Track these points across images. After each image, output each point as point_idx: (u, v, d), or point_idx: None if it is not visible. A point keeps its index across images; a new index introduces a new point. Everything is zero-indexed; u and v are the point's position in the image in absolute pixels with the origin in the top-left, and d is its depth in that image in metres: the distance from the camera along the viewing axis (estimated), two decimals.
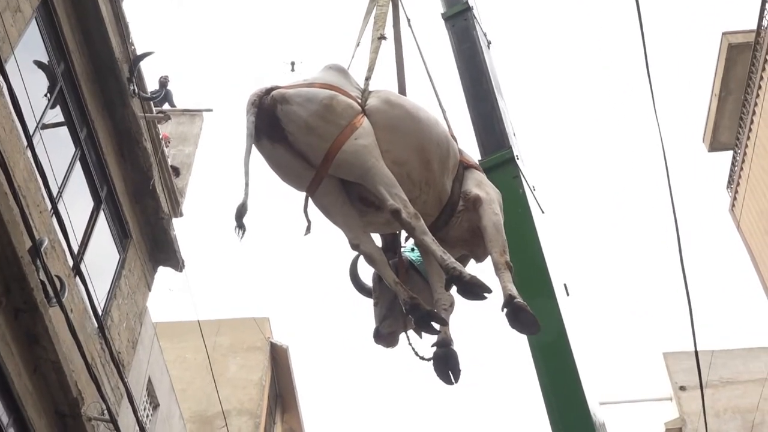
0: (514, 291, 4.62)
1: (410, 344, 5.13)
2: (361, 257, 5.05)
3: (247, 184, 4.70)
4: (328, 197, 4.89)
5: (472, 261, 5.36)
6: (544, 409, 5.19)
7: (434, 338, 4.92)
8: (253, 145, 4.76)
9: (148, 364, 12.41)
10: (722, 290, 56.51)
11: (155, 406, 13.14)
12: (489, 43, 7.28)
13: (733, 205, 15.00)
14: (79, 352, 8.59)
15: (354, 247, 4.90)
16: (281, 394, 21.72)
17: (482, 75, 6.76)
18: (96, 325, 9.62)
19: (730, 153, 14.95)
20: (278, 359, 20.89)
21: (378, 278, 5.21)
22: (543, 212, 6.23)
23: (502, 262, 4.82)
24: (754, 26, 13.30)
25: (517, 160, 6.24)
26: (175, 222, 13.01)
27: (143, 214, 12.02)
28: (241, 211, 4.63)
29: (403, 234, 5.31)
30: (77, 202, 10.04)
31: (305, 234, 4.94)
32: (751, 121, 13.57)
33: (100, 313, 9.65)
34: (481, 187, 5.24)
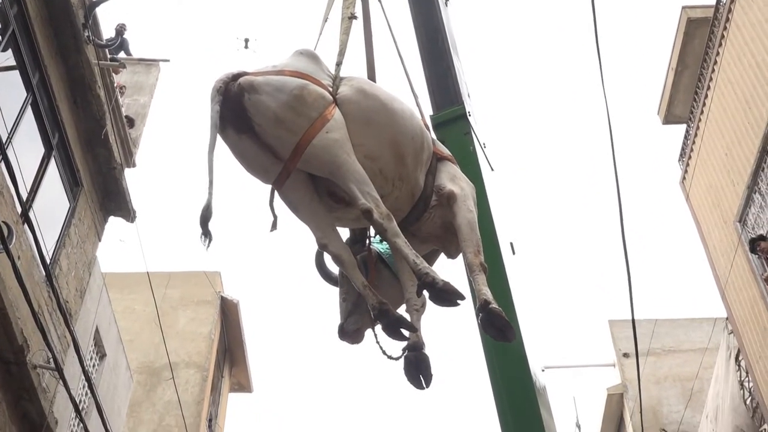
0: (489, 296, 4.45)
1: (378, 342, 4.90)
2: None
3: (211, 183, 4.36)
4: (296, 192, 4.63)
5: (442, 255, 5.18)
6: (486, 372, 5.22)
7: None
8: (218, 135, 4.43)
9: (96, 314, 12.38)
10: (671, 261, 57.63)
11: (102, 356, 13.13)
12: (446, 0, 7.15)
13: (684, 178, 15.24)
14: (26, 299, 8.54)
15: (322, 246, 4.70)
16: (230, 349, 21.79)
17: (438, 33, 6.65)
18: (44, 273, 9.57)
19: (684, 126, 15.17)
20: (228, 314, 20.92)
21: None
22: (492, 170, 6.17)
23: (477, 264, 4.64)
24: (713, 1, 13.47)
25: (468, 117, 6.12)
26: (128, 172, 12.94)
27: (95, 163, 11.91)
28: (206, 216, 4.31)
29: None
30: (27, 148, 9.91)
31: (271, 230, 4.67)
32: (706, 96, 13.74)
33: (48, 261, 9.59)
34: (455, 181, 5.03)
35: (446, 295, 4.26)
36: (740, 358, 12.95)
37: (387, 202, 4.53)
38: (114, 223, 12.84)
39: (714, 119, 13.65)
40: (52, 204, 10.64)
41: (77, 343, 10.10)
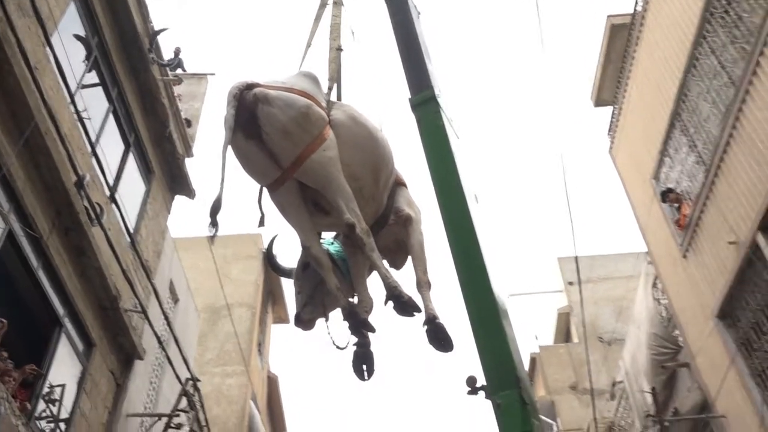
0: (435, 311, 4.19)
1: (329, 333, 4.55)
2: (277, 241, 4.50)
3: (223, 178, 3.96)
4: (288, 197, 4.23)
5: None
6: (462, 301, 5.16)
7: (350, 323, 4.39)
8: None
9: (170, 270, 12.48)
10: (604, 211, 57.64)
11: (176, 300, 13.25)
12: (419, 14, 6.94)
13: (611, 147, 15.24)
14: (116, 260, 8.67)
15: (305, 248, 4.29)
16: (272, 291, 21.91)
17: (414, 40, 6.30)
18: (129, 240, 9.68)
19: (611, 108, 15.16)
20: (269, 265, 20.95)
21: (302, 268, 4.53)
22: (458, 138, 6.04)
23: (425, 281, 4.40)
24: (631, 10, 13.42)
25: (438, 98, 6.00)
26: (188, 161, 12.96)
27: (163, 155, 11.95)
28: (216, 207, 3.91)
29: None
30: (111, 145, 9.94)
31: (259, 226, 4.27)
32: (626, 84, 13.73)
33: (131, 231, 9.69)
34: (411, 206, 4.72)
35: (408, 308, 4.05)
36: (657, 283, 13.07)
37: None
38: (179, 200, 12.94)
39: (633, 101, 13.62)
40: (132, 187, 10.69)
41: (157, 292, 10.24)
